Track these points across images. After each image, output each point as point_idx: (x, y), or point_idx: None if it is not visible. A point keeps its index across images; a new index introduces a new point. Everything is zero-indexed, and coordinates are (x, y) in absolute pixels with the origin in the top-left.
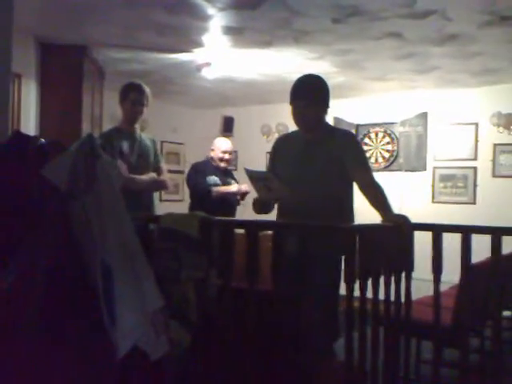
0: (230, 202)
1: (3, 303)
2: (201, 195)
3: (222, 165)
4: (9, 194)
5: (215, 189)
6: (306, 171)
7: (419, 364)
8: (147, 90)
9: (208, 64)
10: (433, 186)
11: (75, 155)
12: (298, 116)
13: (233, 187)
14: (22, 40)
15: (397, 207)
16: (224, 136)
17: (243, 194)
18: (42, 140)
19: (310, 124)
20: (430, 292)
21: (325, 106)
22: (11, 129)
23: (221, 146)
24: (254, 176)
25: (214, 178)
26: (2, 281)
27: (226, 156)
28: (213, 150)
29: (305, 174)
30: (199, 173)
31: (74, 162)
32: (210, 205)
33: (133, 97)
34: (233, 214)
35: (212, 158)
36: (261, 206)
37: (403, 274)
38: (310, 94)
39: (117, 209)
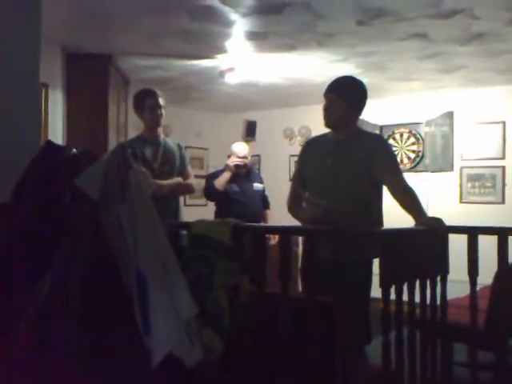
0: (254, 205)
1: (39, 313)
2: (211, 196)
3: (242, 170)
4: (42, 204)
5: (215, 182)
6: (334, 174)
7: (452, 366)
8: (159, 91)
9: (231, 69)
10: (460, 186)
11: (107, 165)
12: (324, 109)
13: (224, 175)
14: (48, 50)
15: (424, 208)
16: (246, 140)
17: (239, 167)
18: (74, 150)
19: (334, 119)
20: (461, 293)
21: (354, 105)
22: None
23: (238, 151)
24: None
25: (231, 186)
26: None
27: (242, 163)
28: (230, 156)
29: (333, 177)
30: (212, 179)
31: (106, 171)
32: (233, 209)
33: (150, 102)
34: (259, 216)
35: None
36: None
37: (438, 278)
38: (340, 89)
39: (150, 217)
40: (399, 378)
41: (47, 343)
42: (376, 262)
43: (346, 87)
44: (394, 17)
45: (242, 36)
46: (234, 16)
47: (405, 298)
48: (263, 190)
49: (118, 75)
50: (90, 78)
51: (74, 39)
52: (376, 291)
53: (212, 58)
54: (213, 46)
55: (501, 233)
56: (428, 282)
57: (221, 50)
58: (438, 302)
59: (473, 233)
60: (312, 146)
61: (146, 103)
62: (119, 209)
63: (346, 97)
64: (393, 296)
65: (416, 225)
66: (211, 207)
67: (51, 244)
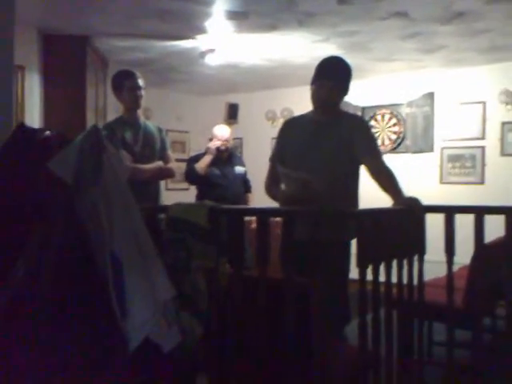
0: (235, 188)
1: (11, 300)
2: (193, 179)
3: (224, 153)
4: (15, 189)
5: (196, 165)
6: (314, 153)
7: (432, 346)
8: (138, 73)
9: (211, 50)
10: (441, 166)
11: (81, 147)
12: (322, 94)
13: (205, 158)
14: (23, 31)
15: (404, 189)
16: (228, 123)
17: (220, 150)
18: (48, 132)
19: (332, 104)
20: (440, 273)
21: (342, 86)
22: (15, 121)
23: (219, 134)
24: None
25: (212, 170)
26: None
27: (223, 147)
28: (212, 139)
29: (313, 157)
30: (193, 162)
31: (80, 154)
32: (214, 192)
33: (129, 83)
34: (240, 199)
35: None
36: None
37: (415, 257)
38: (340, 74)
39: (124, 201)
40: (377, 358)
41: (20, 330)
42: (354, 243)
43: (342, 73)
44: None
45: (222, 15)
46: None
47: (382, 278)
48: (245, 174)
49: (96, 57)
50: (67, 60)
51: (51, 20)
52: (354, 272)
53: (192, 38)
54: (193, 26)
55: (477, 211)
56: (405, 262)
57: (201, 30)
58: (416, 282)
59: (449, 212)
60: (291, 126)
61: (124, 84)
62: (93, 192)
63: (336, 78)
64: (370, 276)
65: (394, 205)
66: (193, 191)
67: (24, 230)
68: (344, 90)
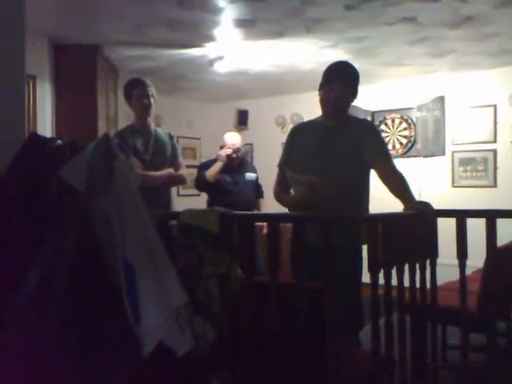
0: (246, 195)
1: (26, 306)
2: (202, 187)
3: (235, 161)
4: (28, 198)
5: (207, 173)
6: (326, 158)
7: (446, 350)
8: (148, 81)
9: (220, 58)
10: (452, 170)
11: (92, 156)
12: (332, 98)
13: (216, 165)
14: (34, 41)
15: (416, 193)
16: (239, 129)
17: (231, 157)
18: (59, 141)
19: (341, 107)
20: (454, 277)
21: (352, 90)
22: (27, 130)
23: (230, 142)
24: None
25: (222, 176)
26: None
27: (234, 155)
28: (223, 147)
29: (324, 162)
30: (203, 169)
31: (91, 162)
32: (225, 199)
33: (137, 92)
34: (252, 205)
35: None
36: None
37: (428, 261)
38: (348, 77)
39: (136, 208)
40: (391, 362)
41: (36, 336)
42: (365, 248)
43: (352, 75)
44: (382, 1)
45: (231, 23)
46: (221, 3)
47: (393, 282)
48: (256, 180)
49: (107, 66)
50: (78, 69)
51: (61, 30)
52: (366, 277)
53: (201, 46)
54: (201, 35)
55: (489, 215)
56: (417, 266)
57: (209, 38)
58: (428, 286)
59: (461, 216)
60: (300, 132)
61: (133, 93)
62: (105, 200)
63: (352, 85)
64: (381, 280)
65: (404, 209)
66: (204, 197)
67: (37, 238)
68: (353, 93)
